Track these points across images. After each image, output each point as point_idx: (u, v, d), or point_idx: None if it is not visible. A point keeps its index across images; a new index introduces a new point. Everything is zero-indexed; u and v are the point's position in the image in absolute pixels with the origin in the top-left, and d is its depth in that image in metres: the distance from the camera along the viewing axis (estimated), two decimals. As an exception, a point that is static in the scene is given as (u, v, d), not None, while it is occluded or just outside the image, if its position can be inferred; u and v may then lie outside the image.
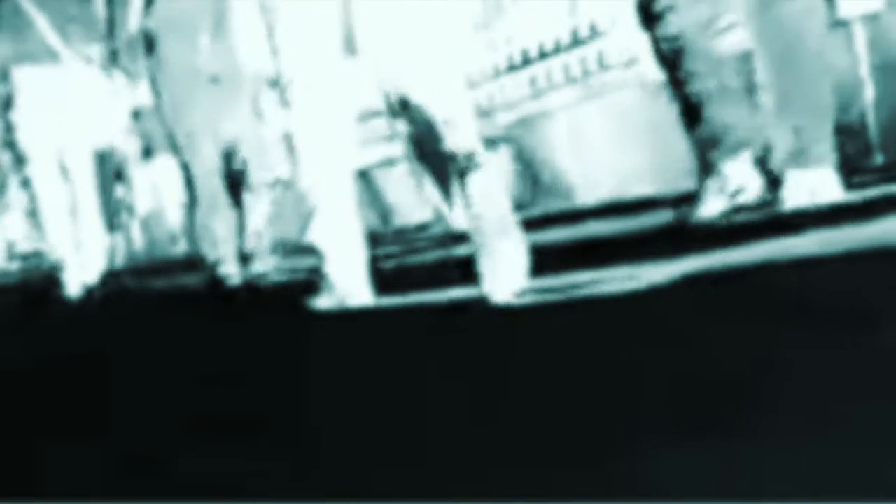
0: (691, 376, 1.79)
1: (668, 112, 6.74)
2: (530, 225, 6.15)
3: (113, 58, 6.30)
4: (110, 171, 7.94)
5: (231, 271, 5.68)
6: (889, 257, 2.68)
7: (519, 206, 8.42)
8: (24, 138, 7.06)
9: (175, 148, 5.81)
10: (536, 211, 8.02)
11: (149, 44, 5.73)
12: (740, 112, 4.38)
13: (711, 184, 4.31)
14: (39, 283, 8.35)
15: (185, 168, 5.78)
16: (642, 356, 2.02)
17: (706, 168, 4.37)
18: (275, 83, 3.86)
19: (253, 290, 5.60)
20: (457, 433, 1.73)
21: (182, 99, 5.66)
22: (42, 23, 6.76)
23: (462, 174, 3.80)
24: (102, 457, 2.01)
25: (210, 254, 5.70)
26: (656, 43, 4.47)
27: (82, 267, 7.57)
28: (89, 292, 7.58)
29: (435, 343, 2.73)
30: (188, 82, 5.63)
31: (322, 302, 3.84)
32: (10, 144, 7.25)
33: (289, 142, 3.85)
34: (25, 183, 7.43)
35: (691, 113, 4.45)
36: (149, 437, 2.16)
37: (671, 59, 4.48)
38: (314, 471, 1.66)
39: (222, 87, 5.66)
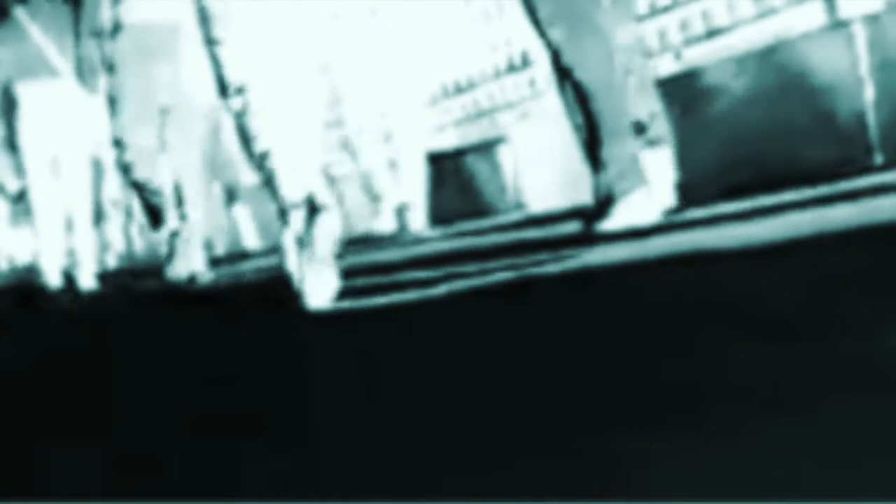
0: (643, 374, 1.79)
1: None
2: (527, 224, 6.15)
3: (79, 68, 6.61)
4: (103, 175, 8.26)
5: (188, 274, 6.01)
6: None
7: (519, 205, 8.43)
8: (24, 146, 7.51)
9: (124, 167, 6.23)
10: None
11: (109, 67, 6.11)
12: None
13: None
14: (34, 283, 8.65)
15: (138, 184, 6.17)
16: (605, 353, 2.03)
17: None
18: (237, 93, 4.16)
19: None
20: (457, 432, 1.73)
21: (135, 127, 6.04)
22: (40, 38, 7.16)
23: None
24: (102, 457, 2.01)
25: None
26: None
27: (75, 267, 7.83)
28: (85, 291, 7.80)
29: (431, 342, 2.73)
30: (141, 111, 6.03)
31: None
32: (13, 151, 7.68)
33: (252, 149, 4.12)
34: (24, 189, 7.86)
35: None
36: (149, 437, 2.16)
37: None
38: (314, 471, 1.66)
39: (172, 117, 6.04)
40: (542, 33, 4.79)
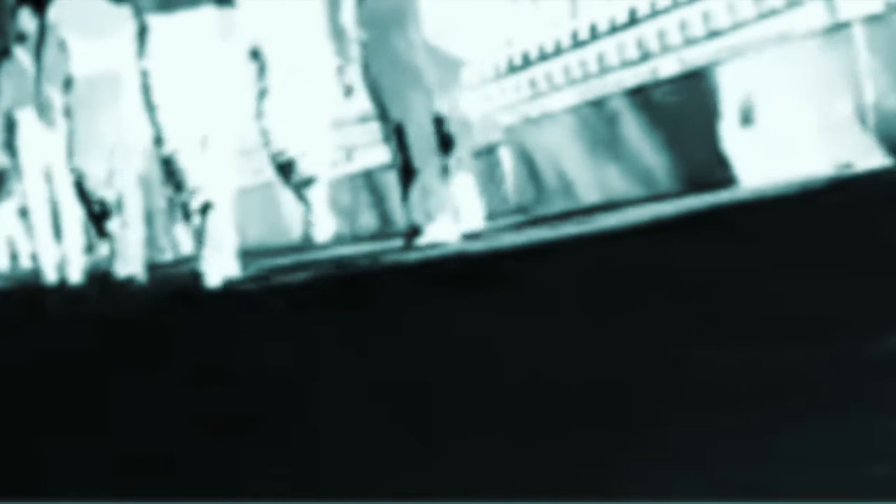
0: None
1: (653, 118, 6.78)
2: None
3: (40, 110, 7.55)
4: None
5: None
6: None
7: (520, 208, 8.42)
8: (25, 163, 8.91)
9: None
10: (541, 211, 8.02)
11: (66, 112, 7.30)
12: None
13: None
14: (33, 285, 9.45)
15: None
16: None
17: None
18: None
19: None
20: (459, 433, 1.73)
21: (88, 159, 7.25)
22: (33, 74, 8.14)
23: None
24: (104, 456, 2.01)
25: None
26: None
27: (66, 266, 8.90)
28: (75, 290, 8.33)
29: (436, 346, 2.73)
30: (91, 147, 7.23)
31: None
32: (15, 169, 9.17)
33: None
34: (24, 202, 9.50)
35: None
36: (149, 436, 2.17)
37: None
38: (314, 471, 1.66)
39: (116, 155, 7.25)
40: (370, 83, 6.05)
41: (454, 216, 5.95)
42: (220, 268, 5.75)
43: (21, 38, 8.70)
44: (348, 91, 7.42)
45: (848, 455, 1.26)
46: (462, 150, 6.12)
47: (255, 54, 6.81)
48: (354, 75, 6.59)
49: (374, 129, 9.04)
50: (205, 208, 5.66)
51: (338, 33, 6.31)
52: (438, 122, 6.04)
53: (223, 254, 5.76)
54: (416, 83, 5.99)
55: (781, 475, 1.24)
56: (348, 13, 6.19)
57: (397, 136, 6.03)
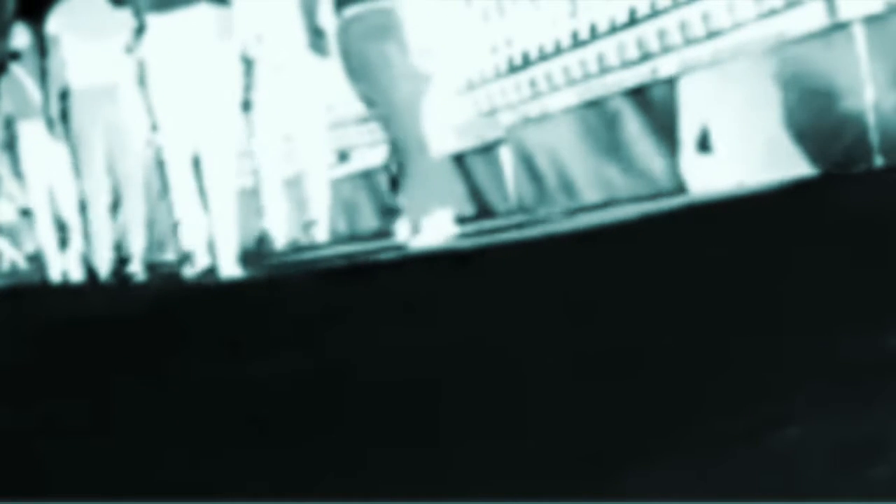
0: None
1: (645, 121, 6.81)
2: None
3: (50, 125, 7.91)
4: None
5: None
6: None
7: (521, 207, 8.43)
8: (27, 170, 9.22)
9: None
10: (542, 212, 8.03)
11: (63, 114, 7.68)
12: None
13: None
14: (34, 284, 9.76)
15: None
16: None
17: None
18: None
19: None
20: (458, 432, 1.74)
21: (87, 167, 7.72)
22: (31, 87, 8.78)
23: None
24: (104, 456, 2.01)
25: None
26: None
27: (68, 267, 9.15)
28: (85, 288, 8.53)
29: (432, 353, 2.73)
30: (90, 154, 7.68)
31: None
32: (18, 175, 9.60)
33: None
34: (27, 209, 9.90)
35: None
36: (149, 436, 2.17)
37: None
38: (314, 471, 1.67)
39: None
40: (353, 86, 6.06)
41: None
42: (195, 270, 5.95)
43: (15, 55, 9.02)
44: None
45: (848, 455, 1.27)
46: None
47: (245, 54, 6.99)
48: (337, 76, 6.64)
49: (374, 129, 9.07)
50: (176, 226, 5.94)
51: (316, 35, 6.37)
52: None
53: (199, 261, 5.94)
54: (401, 87, 6.03)
55: (781, 475, 1.24)
56: (327, 16, 6.21)
57: (388, 136, 6.13)
